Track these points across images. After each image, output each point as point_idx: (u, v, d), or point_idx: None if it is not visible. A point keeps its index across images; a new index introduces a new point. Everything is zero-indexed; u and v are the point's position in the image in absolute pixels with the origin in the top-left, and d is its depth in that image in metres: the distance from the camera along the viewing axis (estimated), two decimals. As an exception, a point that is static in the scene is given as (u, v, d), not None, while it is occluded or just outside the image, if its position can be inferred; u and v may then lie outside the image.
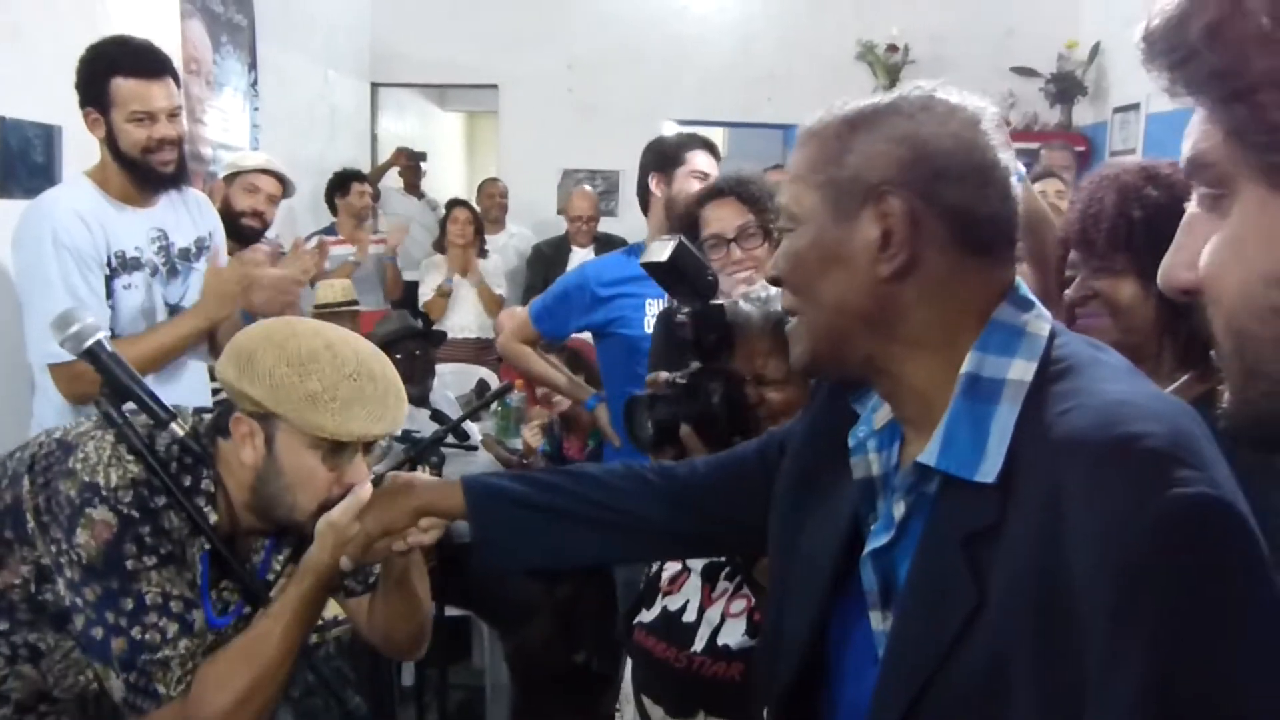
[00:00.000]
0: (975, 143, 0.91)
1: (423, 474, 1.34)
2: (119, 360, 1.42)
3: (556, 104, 6.79)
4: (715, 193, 2.18)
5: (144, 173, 2.32)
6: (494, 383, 4.65)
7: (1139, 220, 1.35)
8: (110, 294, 2.30)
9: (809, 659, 1.01)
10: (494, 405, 3.98)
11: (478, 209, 5.73)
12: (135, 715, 1.33)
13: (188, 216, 2.52)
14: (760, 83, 6.76)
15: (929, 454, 0.88)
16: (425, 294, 5.42)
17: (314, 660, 1.49)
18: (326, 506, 1.41)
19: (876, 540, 0.95)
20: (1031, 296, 0.93)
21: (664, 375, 1.72)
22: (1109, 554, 0.72)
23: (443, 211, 5.85)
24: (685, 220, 2.23)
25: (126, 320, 2.33)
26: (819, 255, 0.94)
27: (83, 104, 2.32)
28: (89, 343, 1.41)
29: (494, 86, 6.93)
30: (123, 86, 2.26)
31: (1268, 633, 0.70)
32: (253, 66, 4.91)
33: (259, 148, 4.76)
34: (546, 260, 5.55)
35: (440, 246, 5.55)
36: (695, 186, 2.58)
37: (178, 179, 2.40)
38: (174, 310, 2.44)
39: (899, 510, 0.94)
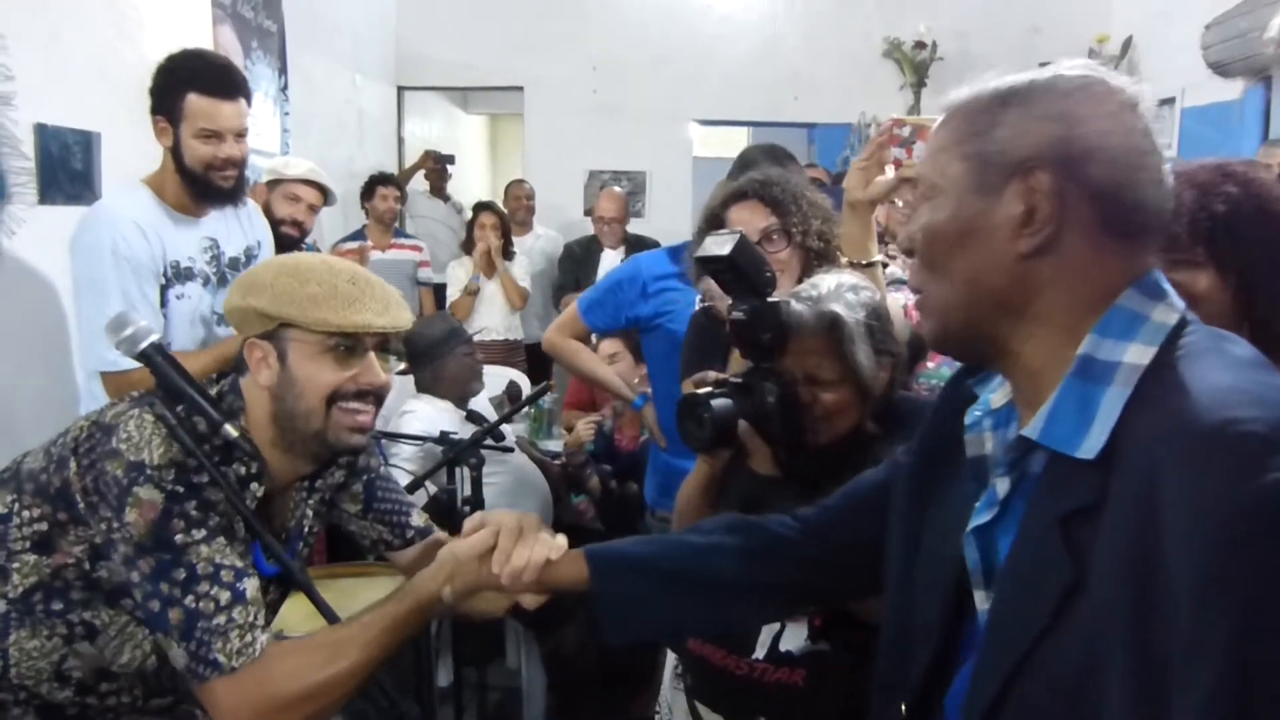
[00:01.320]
0: (1132, 126, 0.90)
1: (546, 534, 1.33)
2: (174, 362, 1.43)
3: (581, 105, 6.80)
4: (739, 195, 2.17)
5: (204, 187, 2.34)
6: (525, 384, 4.65)
7: (1221, 215, 1.39)
8: (164, 304, 2.31)
9: (946, 639, 1.01)
10: (526, 407, 3.99)
11: (504, 211, 5.73)
12: (199, 683, 1.34)
13: (238, 226, 2.54)
14: (785, 82, 6.75)
15: (1032, 428, 0.88)
16: (452, 294, 5.44)
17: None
18: (338, 398, 1.44)
19: (979, 517, 0.96)
20: (1167, 287, 0.91)
21: (713, 375, 1.71)
22: (1197, 538, 0.72)
23: (468, 214, 5.86)
24: (711, 223, 2.22)
25: (179, 330, 2.35)
26: (957, 228, 0.93)
27: (154, 111, 2.35)
28: (144, 345, 1.42)
29: (519, 89, 6.95)
30: (195, 102, 2.29)
31: None
32: (283, 71, 4.94)
33: (290, 152, 4.79)
34: (577, 259, 5.54)
35: (467, 249, 5.56)
36: None
37: (235, 195, 2.42)
38: (222, 319, 2.46)
39: (1003, 487, 0.94)
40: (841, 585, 1.34)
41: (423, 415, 3.18)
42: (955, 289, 0.94)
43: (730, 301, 1.65)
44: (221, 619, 1.34)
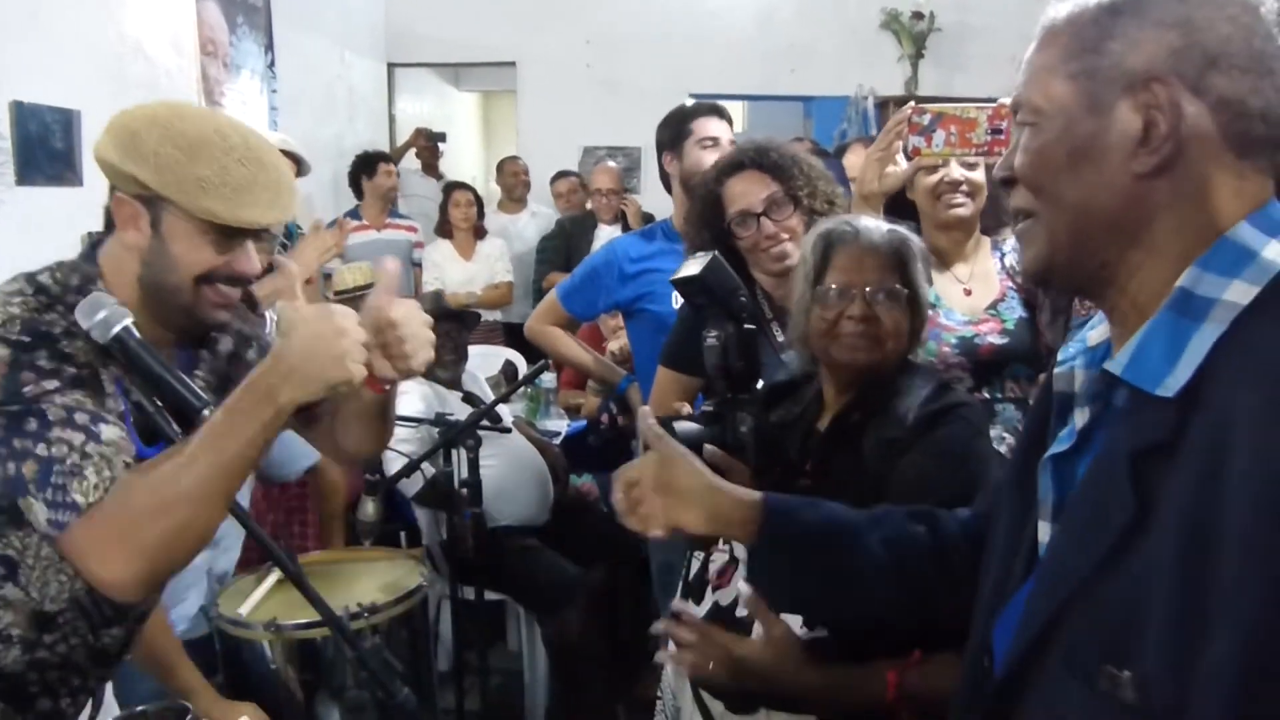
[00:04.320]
0: (1254, 29, 0.83)
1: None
2: (147, 347, 1.36)
3: (575, 81, 6.70)
4: (735, 166, 2.08)
5: None
6: (521, 364, 4.60)
7: None
8: None
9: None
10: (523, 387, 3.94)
11: (480, 192, 5.64)
12: (59, 534, 1.23)
13: None
14: (782, 54, 6.65)
15: (1116, 363, 0.84)
16: (428, 280, 5.32)
17: (361, 652, 1.43)
18: (210, 279, 1.38)
19: (1058, 446, 0.93)
20: None
21: (686, 408, 1.66)
22: (1260, 501, 0.69)
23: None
24: (707, 200, 2.13)
25: None
26: (1067, 149, 0.87)
27: None
28: (116, 329, 1.35)
29: (512, 64, 6.86)
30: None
31: None
32: (269, 48, 4.85)
33: (278, 130, 4.71)
34: (567, 235, 5.43)
35: (441, 231, 5.47)
36: (705, 154, 2.55)
37: None
38: None
39: (1080, 418, 0.91)
40: None
41: (415, 395, 3.14)
42: (1065, 214, 0.89)
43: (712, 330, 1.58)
44: (76, 457, 1.23)
